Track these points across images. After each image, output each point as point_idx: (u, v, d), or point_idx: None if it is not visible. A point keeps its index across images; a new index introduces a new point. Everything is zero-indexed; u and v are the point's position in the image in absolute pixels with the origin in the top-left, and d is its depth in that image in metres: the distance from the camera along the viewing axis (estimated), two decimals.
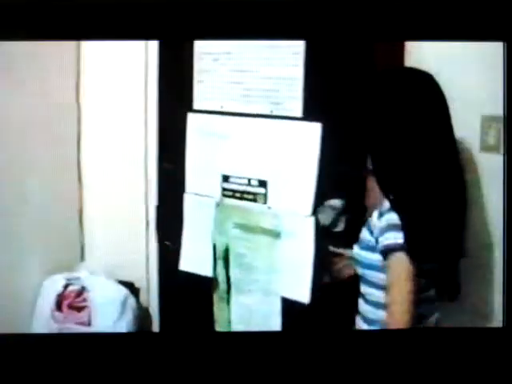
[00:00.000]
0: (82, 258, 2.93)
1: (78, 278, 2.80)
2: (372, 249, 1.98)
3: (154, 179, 2.73)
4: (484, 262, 2.22)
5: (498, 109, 2.15)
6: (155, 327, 2.83)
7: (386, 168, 1.96)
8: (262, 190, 2.36)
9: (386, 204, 1.95)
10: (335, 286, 2.25)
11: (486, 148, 2.22)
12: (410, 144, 1.92)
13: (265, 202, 2.37)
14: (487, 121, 2.20)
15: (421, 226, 1.90)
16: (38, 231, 2.74)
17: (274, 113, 2.32)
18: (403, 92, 1.95)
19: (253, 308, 2.43)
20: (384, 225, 1.93)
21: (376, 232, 1.96)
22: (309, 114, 2.25)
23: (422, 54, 2.22)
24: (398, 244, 1.89)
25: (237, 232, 2.44)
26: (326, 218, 2.13)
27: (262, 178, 2.36)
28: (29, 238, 2.72)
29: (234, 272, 2.47)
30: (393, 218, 1.91)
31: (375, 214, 1.99)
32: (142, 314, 2.80)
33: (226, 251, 2.47)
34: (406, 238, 1.88)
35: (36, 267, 2.73)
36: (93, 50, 2.77)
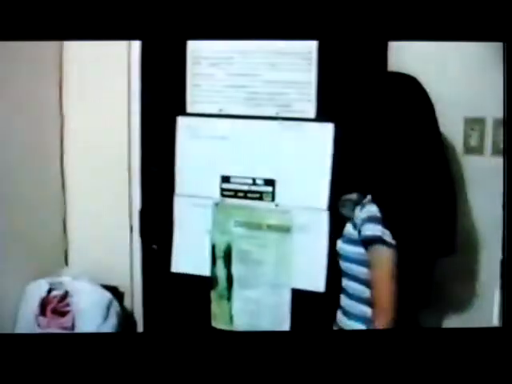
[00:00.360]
0: (66, 262, 2.93)
1: (60, 283, 2.80)
2: (355, 242, 2.05)
3: (137, 183, 2.77)
4: (467, 261, 2.37)
5: (480, 111, 2.31)
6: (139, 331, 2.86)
7: (367, 160, 2.08)
8: (268, 189, 2.49)
9: (369, 196, 2.05)
10: None
11: (469, 150, 2.38)
12: (393, 140, 2.02)
13: (272, 200, 2.48)
14: (470, 123, 2.35)
15: (401, 218, 1.98)
16: (22, 236, 2.72)
17: (281, 115, 2.45)
18: (388, 95, 2.05)
19: (260, 301, 2.55)
20: (364, 216, 2.00)
21: (358, 224, 2.04)
22: (319, 115, 2.40)
23: (404, 55, 2.35)
24: (377, 236, 1.95)
25: (240, 230, 2.55)
26: (348, 210, 2.27)
27: (269, 177, 2.48)
28: (12, 243, 2.71)
29: (236, 269, 2.57)
30: (372, 209, 1.99)
31: (358, 207, 2.09)
32: (126, 318, 2.83)
33: (228, 249, 2.57)
34: (387, 229, 1.95)
35: (19, 272, 2.72)
36: (75, 53, 2.79)
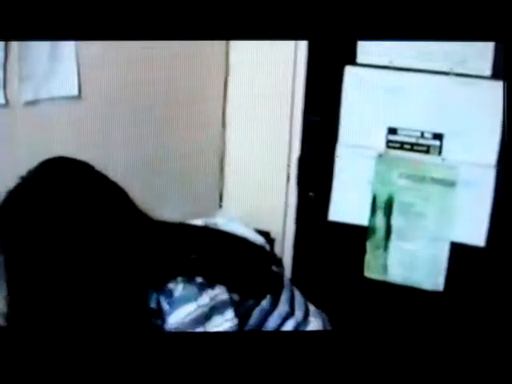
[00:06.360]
0: (221, 205, 3.34)
1: (215, 224, 3.18)
2: None
3: (297, 131, 3.15)
4: None
5: None
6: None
7: None
8: (436, 143, 2.85)
9: None
10: None
11: None
12: None
13: (439, 154, 2.85)
14: None
15: None
16: (180, 176, 3.13)
17: (455, 71, 2.80)
18: None
19: (417, 253, 2.91)
20: None
21: None
22: (494, 73, 2.75)
23: None
24: None
25: (403, 182, 2.91)
26: None
27: (438, 131, 2.84)
28: (170, 183, 3.12)
29: (396, 220, 2.94)
30: None
31: None
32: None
33: (389, 200, 2.94)
34: None
35: (175, 211, 3.10)
36: None
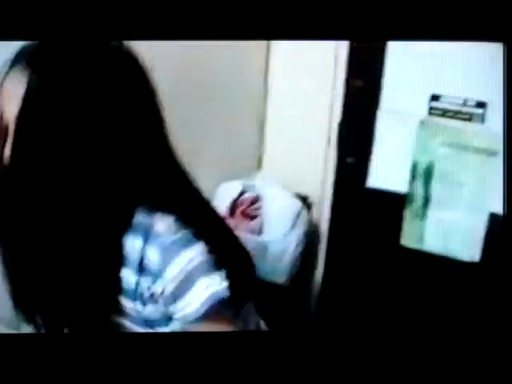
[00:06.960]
0: (259, 166, 3.35)
1: (253, 186, 3.21)
2: None
3: (340, 95, 3.14)
4: None
5: None
6: (322, 244, 3.26)
7: None
8: (479, 111, 2.82)
9: None
10: None
11: None
12: None
13: (482, 122, 2.82)
14: None
15: None
16: (220, 136, 3.15)
17: None
18: None
19: (455, 223, 2.89)
20: None
21: None
22: None
23: None
24: None
25: (444, 150, 2.88)
26: None
27: (481, 100, 2.81)
28: (210, 142, 3.14)
29: (435, 188, 2.92)
30: None
31: None
32: (312, 230, 3.23)
33: (429, 168, 2.92)
34: None
35: (214, 170, 3.13)
36: None
